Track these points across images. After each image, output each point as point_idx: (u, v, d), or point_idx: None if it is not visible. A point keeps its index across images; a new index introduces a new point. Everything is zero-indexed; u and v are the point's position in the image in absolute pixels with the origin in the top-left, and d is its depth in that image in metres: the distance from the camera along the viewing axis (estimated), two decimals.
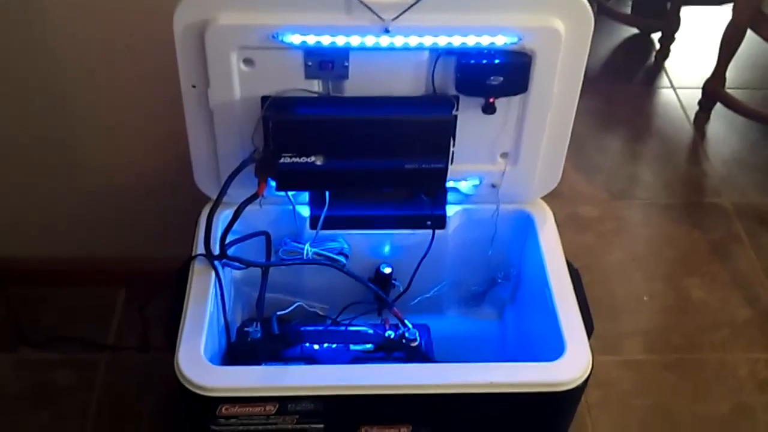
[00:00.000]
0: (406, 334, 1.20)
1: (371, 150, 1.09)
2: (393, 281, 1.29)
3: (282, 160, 1.08)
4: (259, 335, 1.19)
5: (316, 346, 1.20)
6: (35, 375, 1.44)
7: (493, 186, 1.22)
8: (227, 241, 1.14)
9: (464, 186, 1.22)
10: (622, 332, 1.55)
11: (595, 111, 2.11)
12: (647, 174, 1.96)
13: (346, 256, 1.26)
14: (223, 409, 1.03)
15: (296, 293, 1.31)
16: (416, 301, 1.32)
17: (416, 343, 1.20)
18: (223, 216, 1.16)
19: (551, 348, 1.10)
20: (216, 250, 1.12)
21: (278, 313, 1.24)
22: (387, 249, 1.29)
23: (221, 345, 1.17)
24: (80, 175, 1.48)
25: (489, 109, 1.10)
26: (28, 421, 1.38)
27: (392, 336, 1.20)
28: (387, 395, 1.02)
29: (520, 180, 1.21)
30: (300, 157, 1.08)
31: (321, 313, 1.32)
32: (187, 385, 1.01)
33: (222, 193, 1.09)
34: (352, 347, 1.19)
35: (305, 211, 1.24)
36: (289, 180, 1.12)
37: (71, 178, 1.48)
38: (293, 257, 1.24)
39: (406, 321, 1.21)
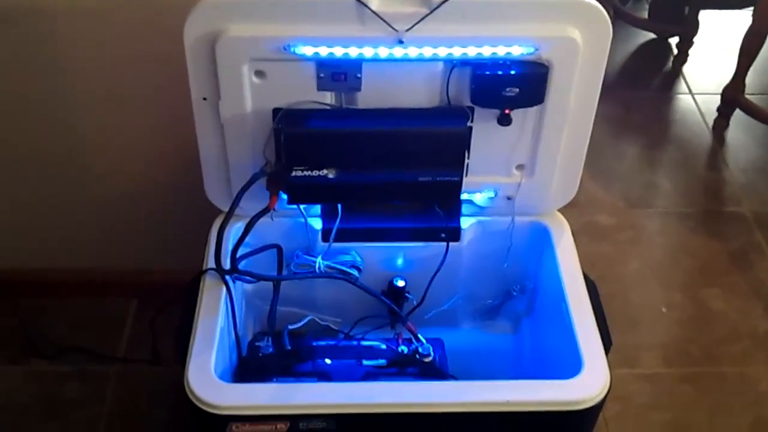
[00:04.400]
0: (420, 349, 1.18)
1: (384, 162, 1.07)
2: (406, 294, 1.26)
3: (293, 174, 1.06)
4: (270, 350, 1.17)
5: (328, 361, 1.18)
6: (45, 387, 1.43)
7: (509, 198, 1.20)
8: (238, 254, 1.12)
9: (479, 198, 1.20)
10: (640, 344, 1.53)
11: (611, 117, 2.08)
12: (665, 182, 1.93)
13: (359, 270, 1.24)
14: (234, 427, 1.01)
15: (308, 306, 1.29)
16: (430, 314, 1.30)
17: (430, 359, 1.18)
18: (235, 229, 1.15)
19: (568, 364, 1.08)
20: (227, 265, 1.11)
21: (290, 327, 1.23)
22: (400, 262, 1.27)
23: (232, 360, 1.15)
24: (92, 185, 1.47)
25: (504, 120, 1.08)
26: None
27: (405, 351, 1.18)
28: (400, 413, 1.00)
29: (536, 192, 1.19)
30: (312, 171, 1.06)
31: (333, 326, 1.30)
32: (197, 403, 0.99)
33: (233, 207, 1.07)
34: (365, 362, 1.17)
35: (317, 223, 1.22)
36: (301, 193, 1.10)
37: (83, 187, 1.47)
38: (305, 271, 1.23)
39: (419, 335, 1.19)
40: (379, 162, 1.07)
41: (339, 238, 1.22)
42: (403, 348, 1.18)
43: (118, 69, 1.32)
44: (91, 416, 1.38)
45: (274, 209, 1.09)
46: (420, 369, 1.17)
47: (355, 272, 1.23)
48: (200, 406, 0.99)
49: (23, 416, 1.39)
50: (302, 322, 1.25)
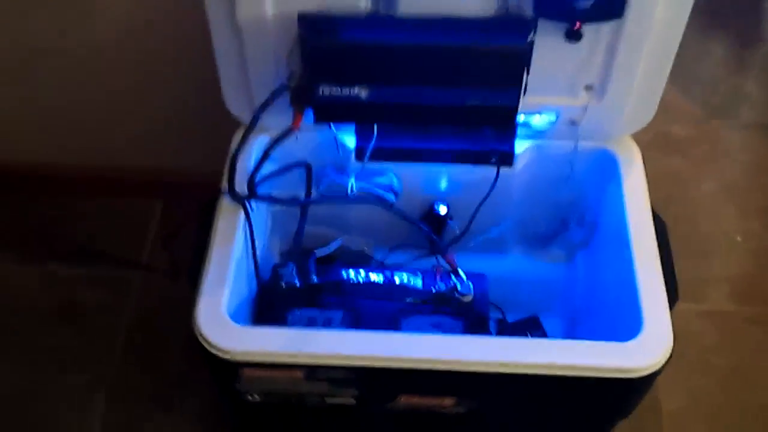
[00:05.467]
0: (459, 287, 1.06)
1: (427, 82, 0.91)
2: (448, 222, 1.13)
3: (320, 91, 0.92)
4: (294, 279, 1.06)
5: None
6: (63, 291, 1.35)
7: (573, 123, 1.03)
8: (262, 172, 0.99)
9: (538, 121, 1.03)
10: (708, 277, 1.37)
11: (696, 8, 1.82)
12: (754, 88, 1.70)
13: (396, 194, 1.10)
14: (246, 371, 0.92)
15: (339, 228, 1.18)
16: (475, 242, 1.17)
17: (469, 298, 1.06)
18: (257, 144, 1.03)
19: (626, 319, 0.95)
20: (245, 189, 0.98)
21: (318, 253, 1.11)
22: (443, 185, 1.12)
23: (251, 288, 1.05)
24: (112, 76, 1.34)
25: (574, 36, 0.90)
26: (53, 341, 1.31)
27: (443, 289, 1.06)
28: (430, 370, 0.89)
29: (606, 116, 1.02)
30: (341, 88, 0.91)
31: (366, 251, 1.18)
32: (206, 346, 0.90)
33: (251, 126, 0.93)
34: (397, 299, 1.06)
35: (351, 140, 1.08)
36: (329, 112, 0.95)
37: (105, 81, 1.34)
38: (335, 192, 1.10)
39: (459, 271, 1.07)
40: (421, 81, 0.91)
41: (374, 157, 1.08)
42: (441, 285, 1.06)
43: None
44: (110, 326, 1.32)
45: (298, 128, 0.95)
46: (457, 310, 1.05)
47: (391, 196, 1.10)
48: (210, 350, 0.90)
49: (38, 320, 1.33)
50: (331, 248, 1.13)
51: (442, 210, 1.12)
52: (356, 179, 1.09)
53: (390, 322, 1.04)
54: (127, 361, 1.28)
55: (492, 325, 1.18)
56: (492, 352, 0.89)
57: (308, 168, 1.08)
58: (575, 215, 1.16)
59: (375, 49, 0.89)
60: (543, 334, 1.14)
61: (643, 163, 1.06)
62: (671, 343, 0.90)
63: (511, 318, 1.19)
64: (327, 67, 0.90)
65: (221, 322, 0.91)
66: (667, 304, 0.93)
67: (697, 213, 1.46)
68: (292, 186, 1.10)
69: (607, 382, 0.89)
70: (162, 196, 1.46)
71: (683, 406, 1.22)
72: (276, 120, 0.95)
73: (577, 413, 1.00)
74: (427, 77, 0.90)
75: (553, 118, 1.02)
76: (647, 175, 1.05)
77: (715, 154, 1.56)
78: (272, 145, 0.94)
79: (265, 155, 0.94)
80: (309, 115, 0.96)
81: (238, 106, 1.04)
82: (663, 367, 0.90)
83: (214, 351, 0.90)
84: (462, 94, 0.92)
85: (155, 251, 1.40)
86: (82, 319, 1.32)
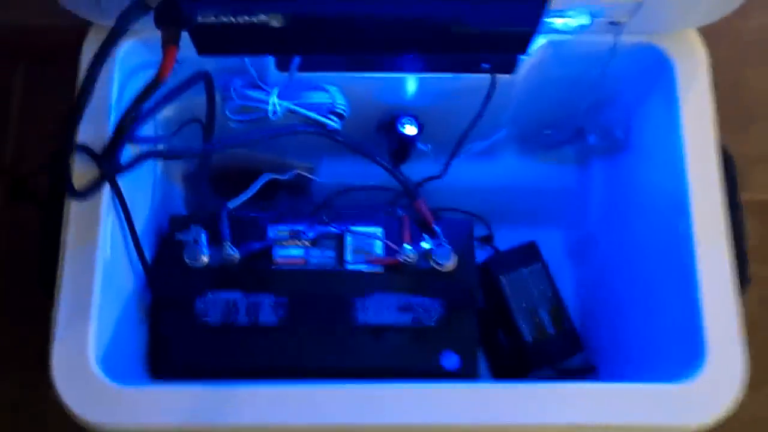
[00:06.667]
0: (434, 254, 0.74)
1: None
2: (418, 144, 0.79)
3: (201, 19, 0.53)
4: (201, 252, 0.73)
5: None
6: None
7: (613, 23, 0.65)
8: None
9: (561, 23, 0.65)
10: None
11: None
12: None
13: (341, 116, 0.74)
14: None
15: (265, 147, 0.83)
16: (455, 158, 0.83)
17: (451, 267, 0.74)
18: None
19: (673, 314, 0.67)
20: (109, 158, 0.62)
21: (231, 204, 0.76)
22: (410, 94, 0.76)
23: (138, 284, 0.73)
24: None
25: None
26: None
27: (410, 255, 0.73)
28: None
29: (664, 8, 0.65)
30: (235, 16, 0.53)
31: (307, 174, 0.84)
32: (68, 413, 0.61)
33: (90, 79, 0.55)
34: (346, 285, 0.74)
35: None
36: (218, 40, 0.57)
37: None
38: (249, 117, 0.73)
39: (435, 228, 0.74)
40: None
41: (306, 67, 0.71)
42: (409, 250, 0.74)
43: None
44: None
45: (167, 77, 0.57)
46: (433, 283, 0.74)
47: (335, 120, 0.74)
48: (74, 419, 0.61)
49: None
50: (252, 191, 0.78)
51: (410, 131, 0.77)
52: (280, 96, 0.72)
53: (340, 308, 0.74)
54: None
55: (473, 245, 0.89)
56: (490, 413, 0.61)
57: (208, 79, 0.71)
58: (597, 125, 0.81)
59: None
60: (543, 267, 0.86)
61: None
62: (741, 385, 0.62)
63: (501, 238, 0.91)
64: None
65: (85, 378, 0.61)
66: (737, 316, 0.64)
67: None
68: (190, 112, 0.74)
69: None
70: (26, 59, 1.05)
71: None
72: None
73: None
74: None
75: (585, 21, 0.64)
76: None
77: None
78: (127, 115, 0.57)
79: (120, 131, 0.57)
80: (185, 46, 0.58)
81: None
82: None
83: (77, 421, 0.61)
84: (442, 11, 0.54)
85: (17, 147, 1.02)
86: None
